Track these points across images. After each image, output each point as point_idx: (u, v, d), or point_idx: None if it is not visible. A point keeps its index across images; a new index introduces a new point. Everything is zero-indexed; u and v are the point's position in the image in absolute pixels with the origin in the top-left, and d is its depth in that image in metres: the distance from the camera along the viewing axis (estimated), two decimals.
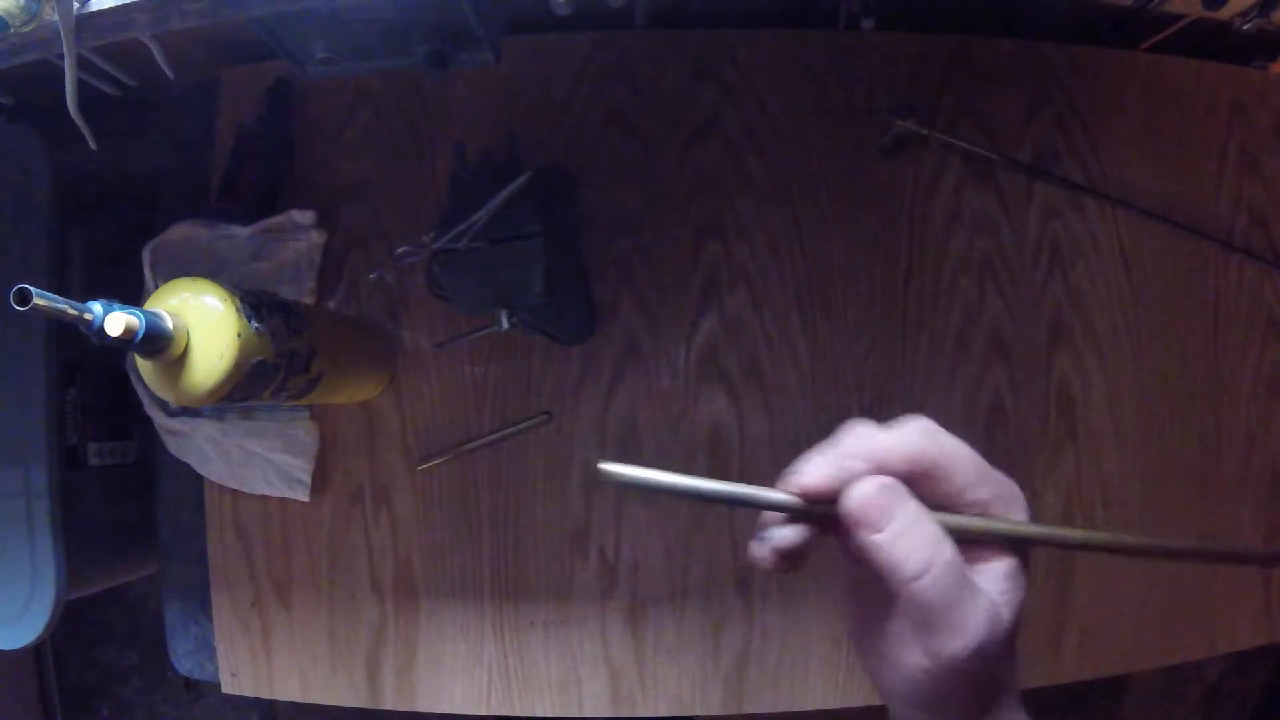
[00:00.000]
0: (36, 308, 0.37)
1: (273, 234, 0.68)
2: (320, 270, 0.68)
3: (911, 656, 0.27)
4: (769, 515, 0.28)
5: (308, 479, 0.66)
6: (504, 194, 0.50)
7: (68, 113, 0.53)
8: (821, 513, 0.27)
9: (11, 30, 0.45)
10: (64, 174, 0.75)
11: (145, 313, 0.41)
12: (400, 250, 0.53)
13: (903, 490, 0.27)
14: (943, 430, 0.28)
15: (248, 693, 0.67)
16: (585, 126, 0.69)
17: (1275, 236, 0.71)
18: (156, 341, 0.42)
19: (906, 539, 0.26)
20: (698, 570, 0.65)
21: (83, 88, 0.52)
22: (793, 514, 0.28)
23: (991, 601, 0.27)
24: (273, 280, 0.67)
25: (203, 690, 1.46)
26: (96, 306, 0.39)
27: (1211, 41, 0.71)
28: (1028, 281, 0.68)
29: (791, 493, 0.28)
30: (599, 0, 0.59)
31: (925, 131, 0.68)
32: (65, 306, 0.38)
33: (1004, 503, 0.28)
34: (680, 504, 0.66)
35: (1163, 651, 0.67)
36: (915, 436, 0.28)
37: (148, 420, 0.67)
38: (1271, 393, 0.70)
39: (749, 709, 0.66)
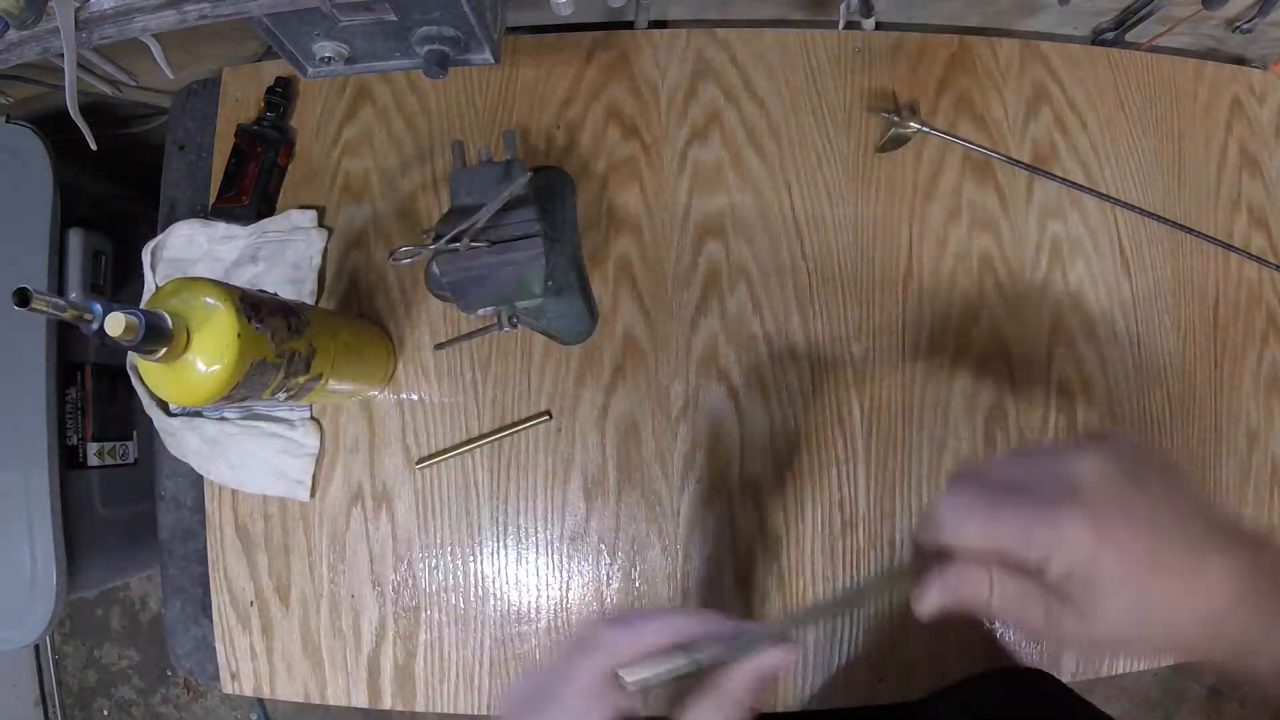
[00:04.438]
0: (36, 308, 0.37)
1: (273, 234, 0.68)
2: (320, 270, 0.68)
3: (1074, 633, 0.30)
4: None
5: (308, 479, 0.66)
6: (504, 194, 0.50)
7: (68, 113, 0.53)
8: None
9: (11, 30, 0.45)
10: (64, 174, 0.75)
11: (145, 313, 0.40)
12: (400, 250, 0.53)
13: None
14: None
15: (248, 693, 0.67)
16: (585, 126, 0.69)
17: (1275, 236, 0.72)
18: (156, 341, 0.42)
19: None
20: (697, 571, 0.65)
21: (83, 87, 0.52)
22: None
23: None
24: (273, 280, 0.67)
25: (203, 690, 1.47)
26: (97, 306, 0.39)
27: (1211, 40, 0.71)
28: (1028, 281, 0.68)
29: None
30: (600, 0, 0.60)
31: (925, 130, 0.68)
32: (65, 306, 0.38)
33: None
34: (678, 503, 0.66)
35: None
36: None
37: (148, 420, 0.67)
38: (1271, 392, 0.70)
39: None
